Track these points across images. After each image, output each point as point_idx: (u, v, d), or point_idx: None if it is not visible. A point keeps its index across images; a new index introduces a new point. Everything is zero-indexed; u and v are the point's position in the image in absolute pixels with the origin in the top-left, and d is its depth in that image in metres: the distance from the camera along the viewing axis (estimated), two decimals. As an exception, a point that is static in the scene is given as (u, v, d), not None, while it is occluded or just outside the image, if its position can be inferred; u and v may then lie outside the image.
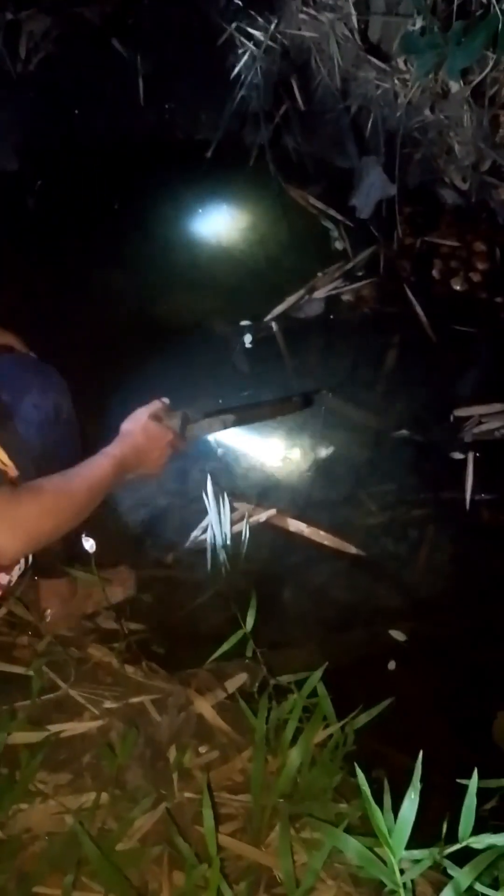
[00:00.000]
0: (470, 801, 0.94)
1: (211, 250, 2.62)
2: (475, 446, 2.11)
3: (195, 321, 2.44)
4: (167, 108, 2.94)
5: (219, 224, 2.69)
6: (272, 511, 1.96)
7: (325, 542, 1.92)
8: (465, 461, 2.08)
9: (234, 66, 2.74)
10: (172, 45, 2.89)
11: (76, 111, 2.87)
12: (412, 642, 1.73)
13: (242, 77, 2.76)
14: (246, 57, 2.70)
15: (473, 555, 1.92)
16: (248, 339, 2.39)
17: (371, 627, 1.76)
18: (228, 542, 1.87)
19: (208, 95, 2.90)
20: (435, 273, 2.58)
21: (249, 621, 1.28)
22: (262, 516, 1.96)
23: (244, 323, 2.43)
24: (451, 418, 2.19)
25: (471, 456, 2.08)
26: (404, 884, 0.93)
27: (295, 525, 1.95)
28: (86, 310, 2.42)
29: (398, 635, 1.74)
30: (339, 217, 2.71)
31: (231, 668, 1.49)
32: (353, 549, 1.91)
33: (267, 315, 2.45)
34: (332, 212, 2.73)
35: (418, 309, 2.45)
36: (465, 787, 0.98)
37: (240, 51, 2.72)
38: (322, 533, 1.93)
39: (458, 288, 2.53)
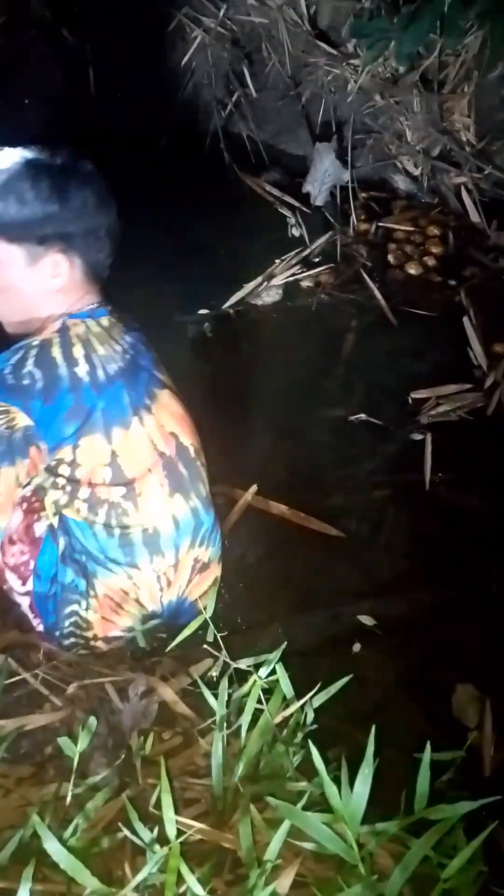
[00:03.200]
0: (424, 774, 0.95)
1: (167, 240, 2.60)
2: (433, 428, 2.14)
3: (152, 311, 2.42)
4: (118, 97, 2.91)
5: (174, 213, 2.67)
6: (253, 489, 1.96)
7: (304, 524, 1.93)
8: (423, 442, 2.10)
9: (184, 54, 2.73)
10: (122, 33, 2.86)
11: (25, 100, 2.83)
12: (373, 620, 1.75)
13: (193, 64, 2.75)
14: (196, 44, 2.69)
15: (432, 533, 1.94)
16: (207, 327, 2.38)
17: (334, 608, 1.77)
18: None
19: (160, 84, 2.88)
20: (391, 258, 2.60)
21: (210, 607, 1.29)
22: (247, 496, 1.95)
23: (202, 311, 2.42)
24: (410, 401, 2.22)
25: (429, 437, 2.11)
26: (363, 857, 0.94)
27: (277, 507, 1.95)
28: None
29: (367, 620, 1.75)
30: (295, 204, 2.72)
31: (196, 654, 1.49)
32: (333, 531, 1.91)
33: (225, 303, 2.45)
34: (287, 198, 2.74)
35: (377, 293, 2.47)
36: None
37: (190, 37, 2.71)
38: (302, 515, 1.93)
39: (413, 272, 2.56)
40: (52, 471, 1.26)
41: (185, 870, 0.90)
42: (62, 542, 1.33)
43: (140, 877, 0.93)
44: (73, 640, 1.38)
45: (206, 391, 2.23)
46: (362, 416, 2.19)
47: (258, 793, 1.09)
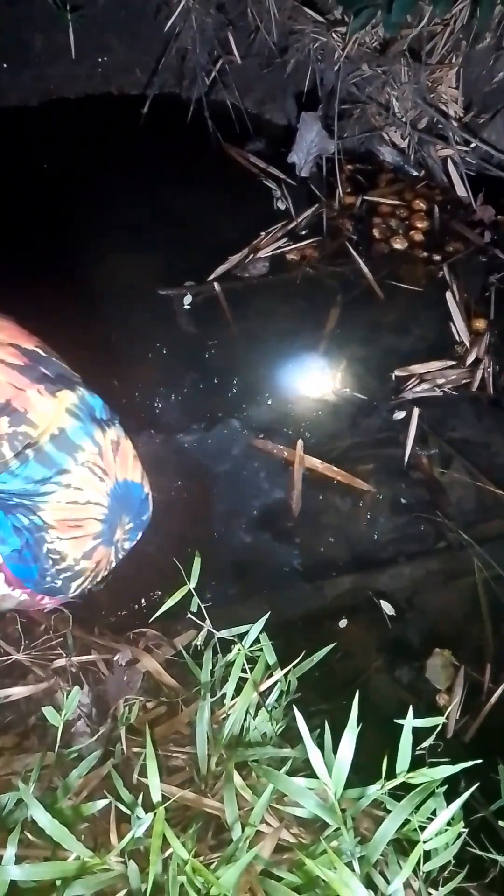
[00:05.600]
0: (406, 739, 0.97)
1: (149, 211, 2.56)
2: (417, 403, 2.15)
3: (136, 284, 2.40)
4: (100, 61, 2.84)
5: (156, 182, 2.63)
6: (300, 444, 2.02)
7: (336, 478, 1.98)
8: (406, 419, 2.11)
9: (167, 18, 2.66)
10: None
11: (4, 65, 2.75)
12: (357, 592, 1.76)
13: (177, 30, 2.69)
14: (180, 8, 2.62)
15: (414, 507, 1.96)
16: (187, 300, 2.35)
17: (318, 581, 1.79)
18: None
19: (143, 49, 2.81)
20: (376, 232, 2.58)
21: (194, 578, 1.28)
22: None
23: (188, 284, 2.40)
24: (393, 378, 2.22)
25: (415, 413, 2.11)
26: (346, 821, 0.95)
27: (310, 461, 2.01)
28: (21, 277, 2.34)
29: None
30: (281, 175, 2.68)
31: (181, 625, 1.50)
32: (364, 485, 1.98)
33: (210, 276, 2.42)
34: (272, 169, 2.70)
35: (364, 267, 2.45)
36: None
37: (173, 1, 2.64)
38: (334, 468, 2.00)
39: (398, 247, 2.54)
40: None
41: (170, 834, 0.91)
42: None
43: (125, 841, 0.94)
44: (62, 577, 1.36)
45: (190, 365, 2.22)
46: (347, 390, 2.18)
47: (242, 759, 1.10)
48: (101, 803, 1.04)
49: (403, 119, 2.65)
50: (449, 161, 2.66)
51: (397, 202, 2.65)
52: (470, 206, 2.63)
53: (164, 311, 2.33)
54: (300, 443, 2.01)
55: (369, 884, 0.95)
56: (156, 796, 0.96)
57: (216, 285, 2.38)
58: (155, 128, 2.73)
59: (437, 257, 2.51)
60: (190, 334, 2.29)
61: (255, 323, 2.32)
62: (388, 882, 0.96)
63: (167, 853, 0.97)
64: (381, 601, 1.74)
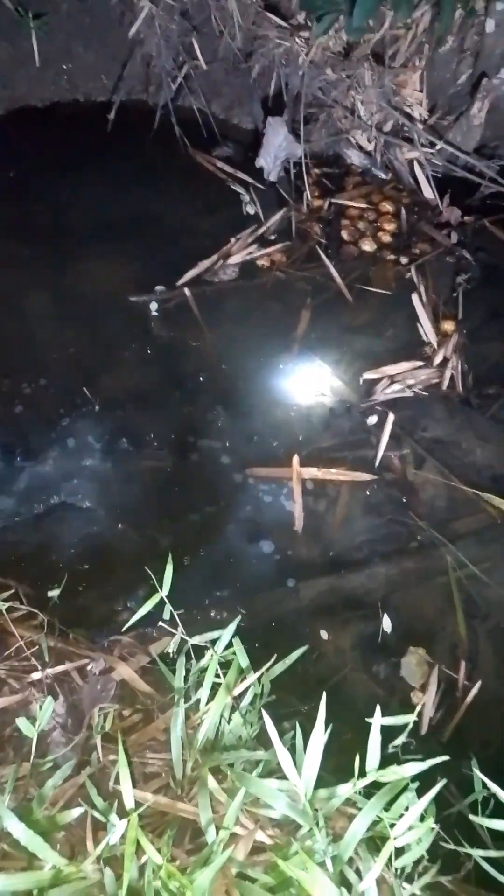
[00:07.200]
0: (374, 737, 0.98)
1: (118, 217, 2.56)
2: (389, 405, 2.17)
3: (106, 291, 2.39)
4: (65, 68, 2.83)
5: (124, 190, 2.63)
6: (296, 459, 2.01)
7: (338, 478, 2.00)
8: (380, 421, 2.13)
9: (132, 25, 2.67)
10: (66, 2, 2.78)
11: (-32, 73, 2.74)
12: (332, 593, 1.77)
13: (141, 35, 2.69)
14: (144, 14, 2.63)
15: (384, 506, 1.98)
16: (154, 307, 2.35)
17: (290, 585, 1.79)
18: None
19: (108, 55, 2.81)
20: (344, 234, 2.60)
21: (166, 586, 1.29)
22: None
23: (158, 289, 2.40)
24: (364, 380, 2.23)
25: (390, 417, 2.13)
26: (318, 821, 0.97)
27: (308, 472, 2.01)
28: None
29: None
30: (249, 180, 2.69)
31: (156, 633, 1.51)
32: (367, 476, 2.01)
33: (179, 281, 2.42)
34: (240, 174, 2.71)
35: (333, 271, 2.47)
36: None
37: (137, 7, 2.64)
38: (332, 471, 2.02)
39: (367, 249, 2.56)
40: None
41: (143, 840, 0.92)
42: None
43: (100, 849, 0.94)
44: None
45: (161, 372, 2.23)
46: (319, 394, 2.20)
47: (217, 763, 1.11)
48: (77, 812, 1.05)
49: (369, 122, 2.68)
50: (415, 163, 2.69)
51: (365, 205, 2.67)
52: (437, 207, 2.66)
53: (134, 318, 2.33)
54: (296, 458, 2.02)
55: (343, 881, 0.97)
56: (129, 803, 0.97)
57: (187, 290, 2.39)
58: (122, 134, 2.73)
59: (404, 259, 2.53)
60: (161, 340, 2.29)
61: (227, 328, 2.33)
62: (361, 879, 0.97)
63: (143, 859, 0.97)
64: (384, 615, 1.73)
